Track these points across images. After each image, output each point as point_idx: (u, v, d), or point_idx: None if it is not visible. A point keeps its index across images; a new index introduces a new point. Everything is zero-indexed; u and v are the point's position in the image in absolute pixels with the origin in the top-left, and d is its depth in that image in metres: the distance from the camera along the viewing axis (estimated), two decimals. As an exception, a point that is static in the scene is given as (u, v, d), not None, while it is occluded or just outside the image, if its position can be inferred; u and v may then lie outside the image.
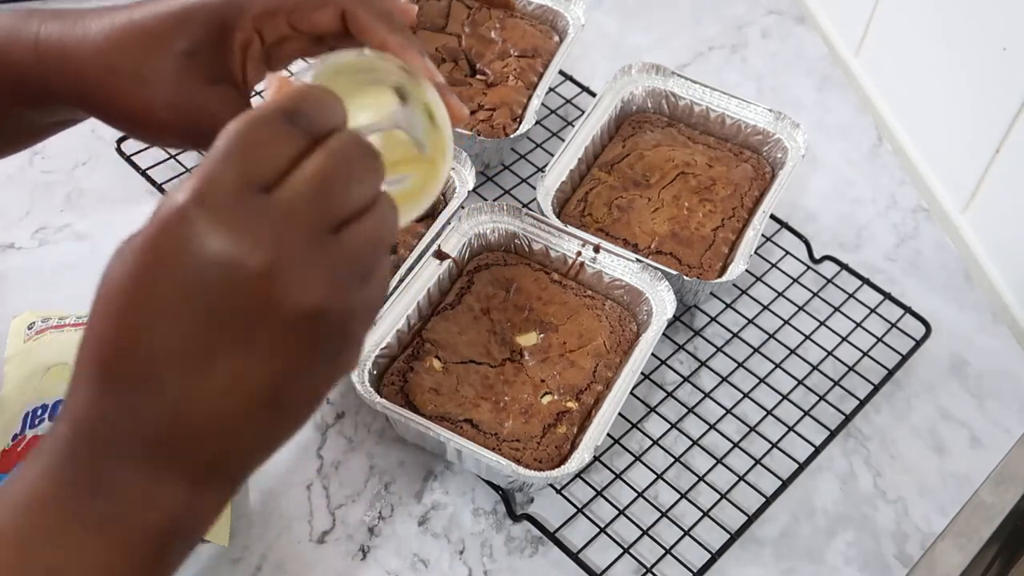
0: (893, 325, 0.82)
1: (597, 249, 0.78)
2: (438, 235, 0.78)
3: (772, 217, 0.88)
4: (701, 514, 0.71)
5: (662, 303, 0.76)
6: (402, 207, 0.44)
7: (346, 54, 0.51)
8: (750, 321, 0.83)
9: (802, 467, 0.74)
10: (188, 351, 0.37)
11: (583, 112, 0.89)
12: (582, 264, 0.79)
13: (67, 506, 0.37)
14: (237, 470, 0.41)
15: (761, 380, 0.79)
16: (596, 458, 0.73)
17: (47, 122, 0.59)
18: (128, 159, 0.88)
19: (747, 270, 0.79)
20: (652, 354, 0.73)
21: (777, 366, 0.80)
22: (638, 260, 0.77)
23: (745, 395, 0.78)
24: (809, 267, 0.87)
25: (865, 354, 0.81)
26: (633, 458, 0.74)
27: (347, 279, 0.38)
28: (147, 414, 0.37)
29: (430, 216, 0.81)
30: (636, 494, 0.72)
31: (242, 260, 0.36)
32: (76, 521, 0.37)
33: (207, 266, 0.36)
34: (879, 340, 0.82)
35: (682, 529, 0.70)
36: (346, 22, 0.53)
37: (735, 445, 0.75)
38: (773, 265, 0.87)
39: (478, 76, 0.93)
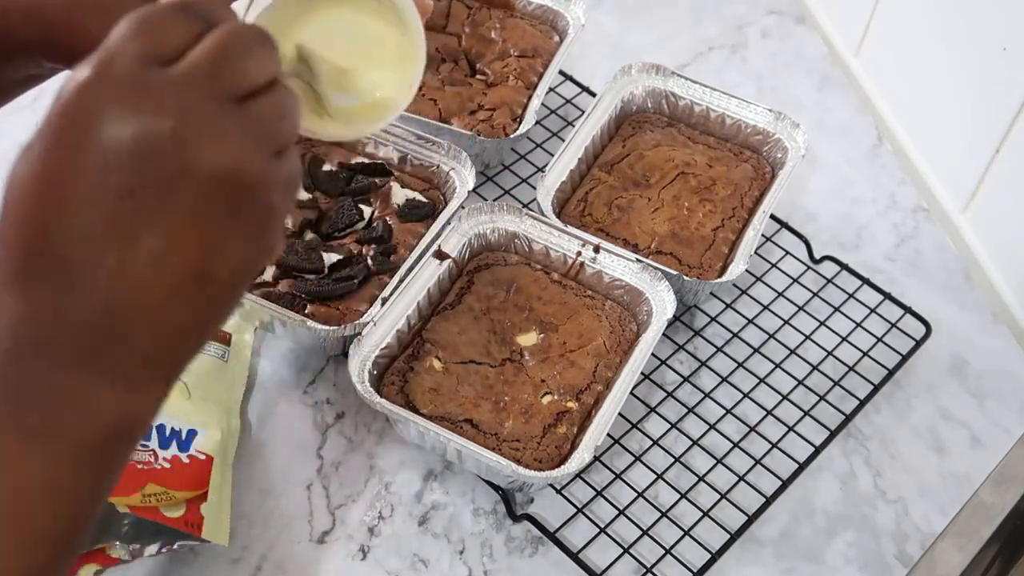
0: (893, 325, 0.82)
1: (597, 249, 0.78)
2: (438, 235, 0.78)
3: (772, 217, 0.88)
4: (701, 514, 0.71)
5: (662, 303, 0.75)
6: (379, 114, 0.50)
7: None
8: (750, 321, 0.83)
9: (802, 467, 0.74)
10: (105, 234, 0.35)
11: (583, 112, 0.88)
12: (582, 264, 0.79)
13: (1, 420, 0.36)
14: (173, 361, 0.39)
15: (761, 380, 0.79)
16: (596, 458, 0.73)
17: (13, 78, 0.57)
18: (128, 159, 0.88)
19: (747, 270, 0.79)
20: (652, 354, 0.73)
21: (777, 366, 0.80)
22: (638, 260, 0.77)
23: (745, 395, 0.78)
24: (809, 267, 0.87)
25: (865, 354, 0.81)
26: (633, 458, 0.74)
27: (257, 144, 0.37)
28: (72, 311, 0.36)
29: (430, 216, 0.81)
30: (636, 494, 0.72)
31: (150, 128, 0.35)
32: (13, 433, 0.36)
33: (115, 140, 0.35)
34: (879, 340, 0.82)
35: (682, 529, 0.70)
36: None
37: (735, 445, 0.75)
38: (773, 265, 0.87)
39: (478, 76, 0.93)
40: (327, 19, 0.52)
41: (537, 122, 0.93)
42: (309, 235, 0.80)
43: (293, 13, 0.51)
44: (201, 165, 0.36)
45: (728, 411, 0.77)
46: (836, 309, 0.84)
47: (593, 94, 0.98)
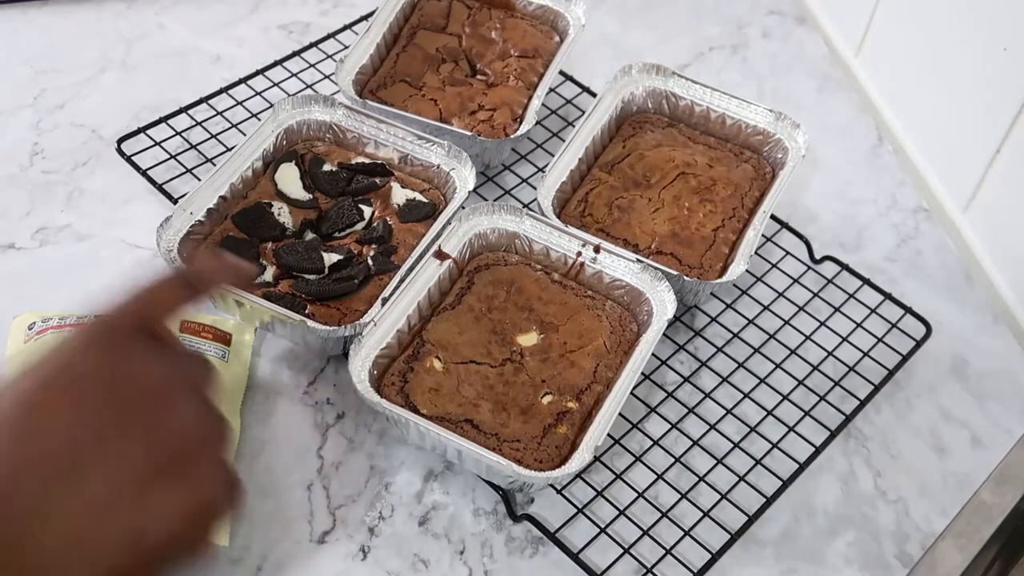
0: (893, 325, 0.82)
1: (597, 249, 0.78)
2: (438, 235, 0.78)
3: (772, 217, 0.88)
4: (701, 514, 0.71)
5: (662, 303, 0.75)
6: None
7: None
8: (750, 321, 0.83)
9: (802, 467, 0.74)
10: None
11: (583, 112, 0.89)
12: (582, 264, 0.79)
13: None
14: None
15: (761, 380, 0.79)
16: (596, 458, 0.73)
17: None
18: (128, 159, 0.88)
19: (747, 270, 0.79)
20: (652, 354, 0.73)
21: (777, 366, 0.80)
22: (638, 260, 0.77)
23: (745, 395, 0.78)
24: (809, 267, 0.87)
25: (865, 354, 0.81)
26: (633, 458, 0.74)
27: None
28: (10, 550, 0.39)
29: (430, 217, 0.81)
30: (636, 494, 0.72)
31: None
32: None
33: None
34: (879, 340, 0.81)
35: (682, 529, 0.70)
36: None
37: (735, 445, 0.75)
38: (773, 265, 0.87)
39: (478, 76, 0.93)
40: None
41: (537, 122, 0.93)
42: (309, 235, 0.80)
43: None
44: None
45: (728, 411, 0.77)
46: (836, 309, 0.84)
47: (593, 94, 0.98)
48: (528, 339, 0.75)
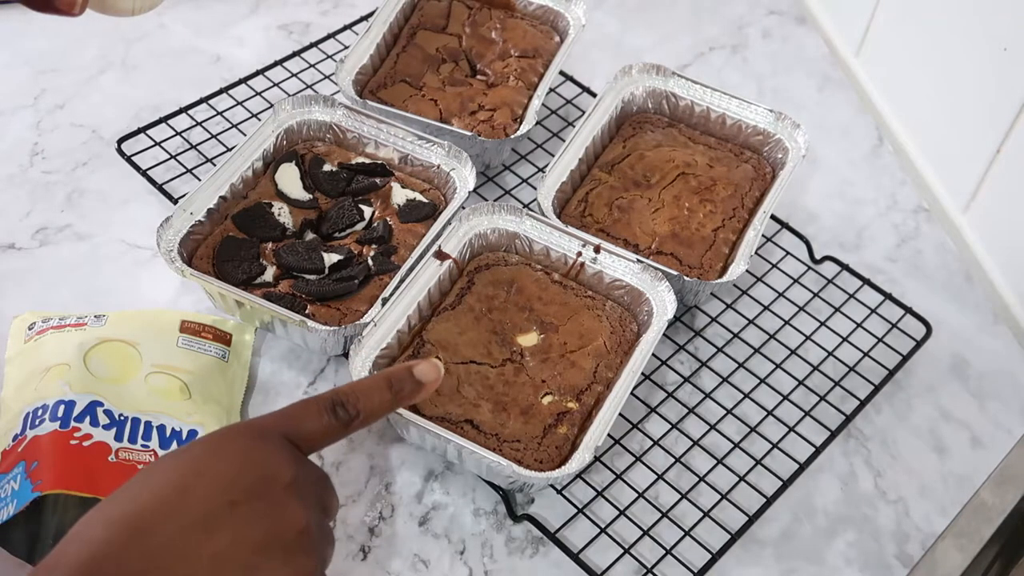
0: (894, 325, 0.82)
1: (598, 249, 0.78)
2: (439, 235, 0.78)
3: (773, 217, 0.88)
4: (702, 514, 0.71)
5: (663, 303, 0.75)
6: None
7: None
8: (751, 321, 0.83)
9: (803, 467, 0.74)
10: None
11: (584, 112, 0.89)
12: (583, 264, 0.79)
13: None
14: None
15: (762, 380, 0.79)
16: (597, 458, 0.73)
17: None
18: (128, 159, 0.88)
19: (748, 270, 0.79)
20: (653, 354, 0.73)
21: (778, 366, 0.80)
22: (639, 260, 0.77)
23: (746, 395, 0.78)
24: (810, 267, 0.87)
25: (866, 354, 0.81)
26: (634, 458, 0.74)
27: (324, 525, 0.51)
28: None
29: (431, 217, 0.81)
30: (637, 494, 0.72)
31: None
32: None
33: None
34: (880, 340, 0.82)
35: (683, 529, 0.70)
36: None
37: (736, 445, 0.75)
38: (774, 265, 0.87)
39: (478, 76, 0.93)
40: None
41: (538, 122, 0.93)
42: (309, 235, 0.80)
43: None
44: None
45: (728, 411, 0.77)
46: (836, 309, 0.84)
47: (594, 94, 0.98)
48: (528, 339, 0.75)
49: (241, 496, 0.46)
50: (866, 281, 0.85)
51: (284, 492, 0.47)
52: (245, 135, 0.85)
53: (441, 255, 0.77)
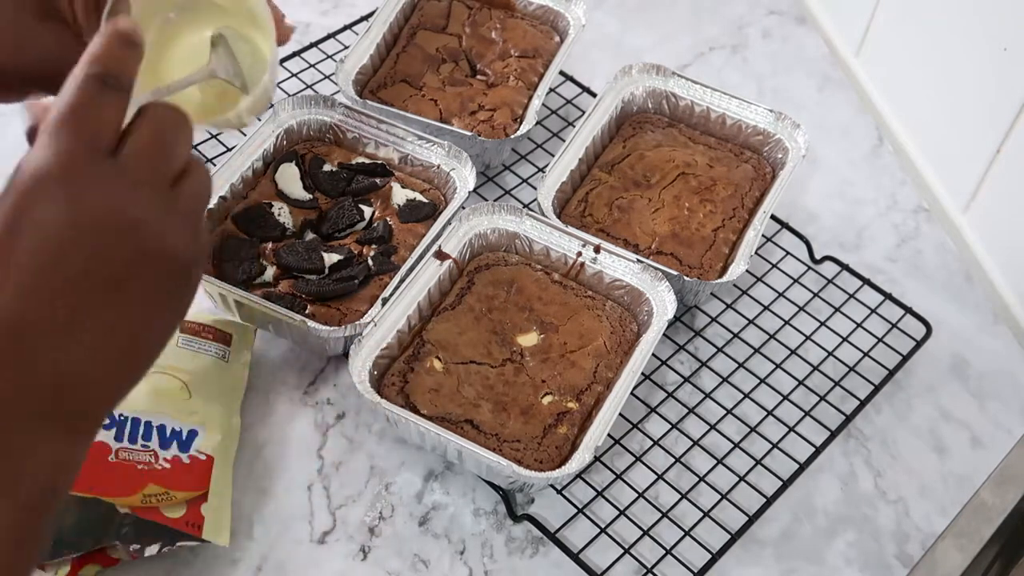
0: (894, 325, 0.82)
1: (598, 249, 0.78)
2: (439, 235, 0.78)
3: (773, 217, 0.88)
4: (702, 514, 0.71)
5: (663, 303, 0.75)
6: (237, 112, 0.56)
7: None
8: (751, 321, 0.83)
9: (803, 467, 0.74)
10: (63, 310, 0.39)
11: (584, 112, 0.88)
12: (583, 264, 0.79)
13: None
14: (102, 415, 0.43)
15: (762, 380, 0.79)
16: (597, 458, 0.73)
17: None
18: (129, 159, 0.88)
19: (747, 270, 0.79)
20: (653, 354, 0.73)
21: (778, 366, 0.80)
22: (639, 260, 0.77)
23: (746, 395, 0.78)
24: (809, 267, 0.87)
25: (866, 354, 0.81)
26: (634, 458, 0.74)
27: (191, 226, 0.43)
28: (26, 375, 0.39)
29: (431, 217, 0.81)
30: (637, 494, 0.72)
31: (111, 220, 0.40)
32: None
33: (77, 229, 0.39)
34: (880, 340, 0.81)
35: (683, 529, 0.70)
36: None
37: (736, 445, 0.75)
38: (774, 265, 0.87)
39: (479, 76, 0.93)
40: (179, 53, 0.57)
41: (538, 122, 0.93)
42: (309, 235, 0.80)
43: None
44: (152, 251, 0.41)
45: (728, 411, 0.77)
46: (836, 309, 0.84)
47: (594, 94, 0.98)
48: (528, 339, 0.75)
49: (85, 265, 0.40)
50: (866, 281, 0.85)
51: (132, 234, 0.41)
52: (245, 135, 0.85)
53: (441, 255, 0.77)
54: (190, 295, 0.44)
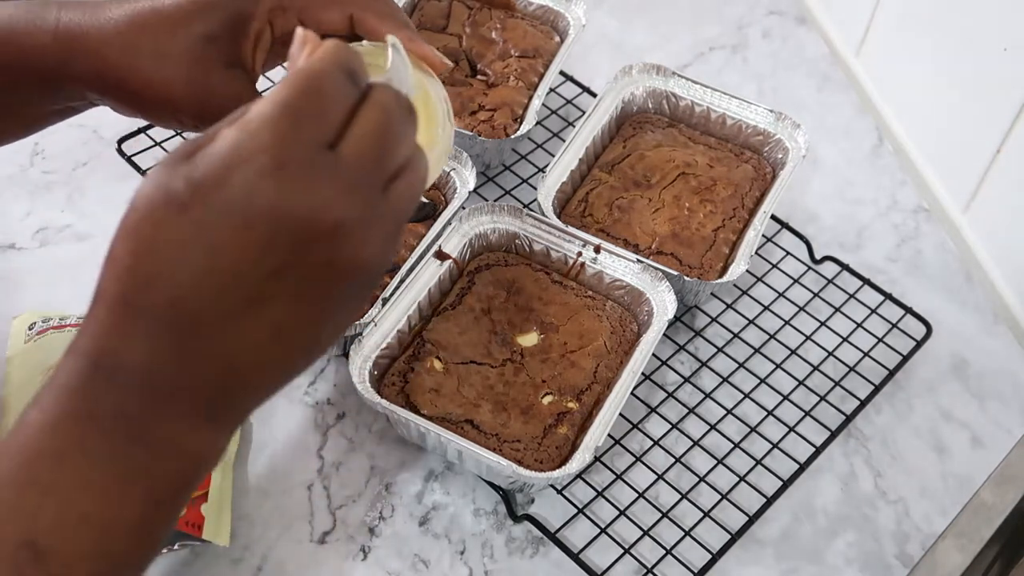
0: (894, 325, 0.82)
1: (598, 249, 0.78)
2: (439, 236, 0.78)
3: (773, 217, 0.88)
4: (702, 514, 0.71)
5: (663, 303, 0.75)
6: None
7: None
8: (751, 321, 0.83)
9: (803, 467, 0.74)
10: (242, 303, 0.37)
11: (584, 112, 0.88)
12: (583, 264, 0.79)
13: (113, 460, 0.37)
14: (250, 411, 0.42)
15: (762, 380, 0.79)
16: (597, 458, 0.73)
17: (53, 108, 0.61)
18: (129, 159, 0.88)
19: (748, 270, 0.79)
20: (653, 354, 0.73)
21: (778, 366, 0.80)
22: (639, 260, 0.77)
23: (746, 395, 0.78)
24: (810, 267, 0.87)
25: (866, 354, 0.81)
26: (634, 458, 0.74)
27: (394, 234, 0.41)
28: (192, 363, 0.37)
29: (431, 217, 0.81)
30: (637, 494, 0.72)
31: (316, 221, 0.37)
32: (122, 477, 0.37)
33: (280, 223, 0.37)
34: (880, 340, 0.81)
35: (683, 529, 0.70)
36: (353, 25, 0.57)
37: (736, 445, 0.75)
38: (774, 266, 0.87)
39: (479, 77, 0.93)
40: None
41: (538, 122, 0.93)
42: (310, 235, 0.80)
43: None
44: (347, 259, 0.39)
45: (729, 411, 0.77)
46: (837, 309, 0.84)
47: (594, 94, 0.98)
48: (528, 339, 0.75)
49: (280, 260, 0.38)
50: (866, 281, 0.85)
51: (333, 239, 0.38)
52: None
53: (441, 255, 0.77)
54: (366, 299, 0.43)
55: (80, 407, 0.37)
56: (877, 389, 0.78)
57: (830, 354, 0.81)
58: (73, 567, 0.35)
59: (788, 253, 0.88)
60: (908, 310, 0.83)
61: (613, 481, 0.73)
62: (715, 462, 0.74)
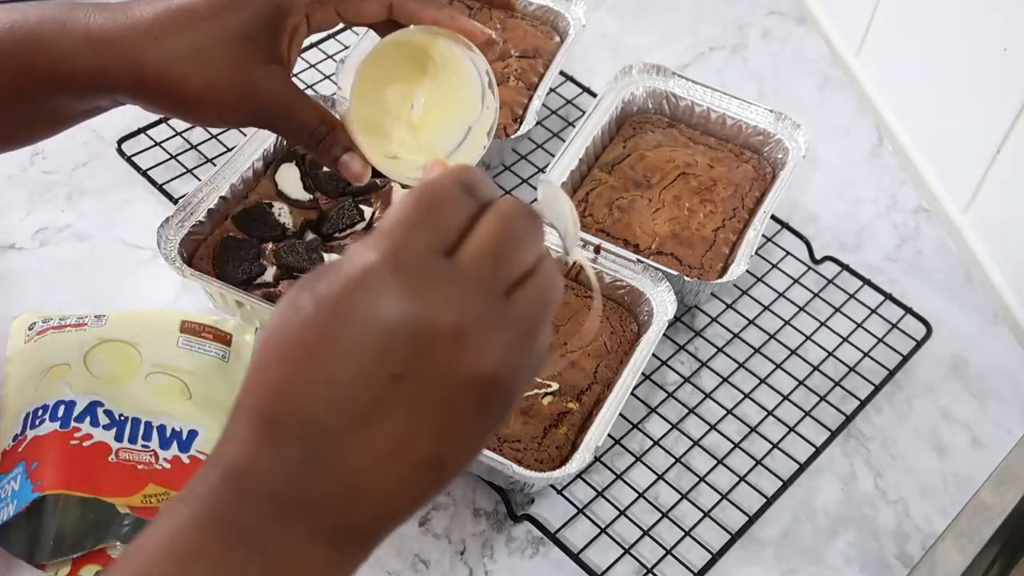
0: (894, 326, 0.82)
1: (598, 250, 0.78)
2: (439, 235, 0.77)
3: (773, 218, 0.88)
4: (702, 514, 0.71)
5: (663, 304, 0.75)
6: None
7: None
8: (751, 322, 0.83)
9: (803, 467, 0.74)
10: (366, 410, 0.37)
11: (584, 113, 0.88)
12: (581, 267, 0.79)
13: (225, 562, 0.37)
14: (380, 536, 0.40)
15: (762, 380, 0.79)
16: (597, 459, 0.73)
17: (82, 109, 0.61)
18: (128, 159, 0.88)
19: (748, 271, 0.79)
20: (653, 354, 0.73)
21: (778, 367, 0.80)
22: (639, 261, 0.77)
23: (746, 395, 0.78)
24: (810, 267, 0.87)
25: (866, 355, 0.81)
26: (634, 458, 0.74)
27: (520, 341, 0.39)
28: (316, 476, 0.37)
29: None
30: (637, 494, 0.72)
31: (433, 324, 0.36)
32: None
33: (399, 326, 0.36)
34: (880, 340, 0.81)
35: (683, 529, 0.70)
36: (392, 12, 0.58)
37: (736, 445, 0.75)
38: (774, 266, 0.87)
39: (479, 76, 0.93)
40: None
41: (538, 123, 0.93)
42: (310, 235, 0.80)
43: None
44: (469, 365, 0.37)
45: (729, 411, 0.77)
46: (837, 309, 0.84)
47: (594, 94, 0.98)
48: (528, 339, 0.75)
49: (400, 366, 0.37)
50: (866, 281, 0.85)
51: (452, 343, 0.37)
52: (245, 135, 0.85)
53: (441, 255, 0.77)
54: (507, 412, 0.40)
55: (205, 514, 0.37)
56: (877, 389, 0.78)
57: (830, 354, 0.81)
58: None
59: (788, 253, 0.88)
60: (908, 310, 0.83)
61: (613, 481, 0.73)
62: (715, 462, 0.74)
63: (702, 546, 0.69)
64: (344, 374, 0.37)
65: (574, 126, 0.91)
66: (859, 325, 0.83)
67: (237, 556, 0.37)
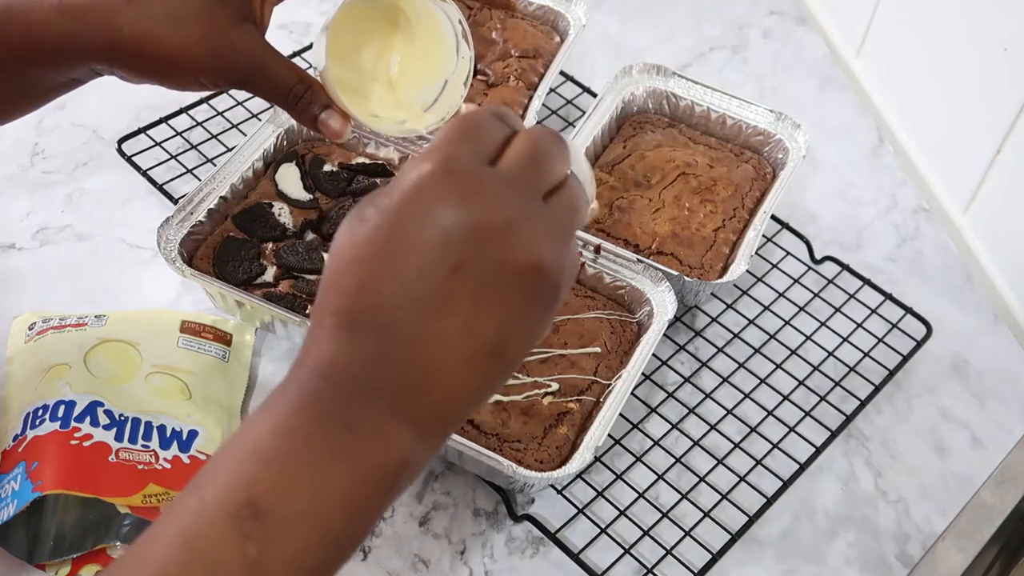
0: (894, 326, 0.82)
1: (598, 249, 0.78)
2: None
3: (773, 218, 0.88)
4: (702, 515, 0.71)
5: (663, 304, 0.75)
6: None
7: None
8: (751, 322, 0.83)
9: (803, 468, 0.74)
10: (431, 301, 0.41)
11: (584, 113, 0.89)
12: (583, 264, 0.79)
13: (323, 437, 0.40)
14: (454, 420, 0.44)
15: (762, 381, 0.79)
16: (597, 458, 0.73)
17: (60, 81, 0.61)
18: (129, 159, 0.88)
19: (748, 271, 0.79)
20: (653, 355, 0.73)
21: (778, 367, 0.80)
22: (639, 261, 0.77)
23: (746, 395, 0.78)
24: (810, 268, 0.87)
25: (866, 355, 0.81)
26: (634, 458, 0.74)
27: (559, 238, 0.43)
28: (391, 362, 0.41)
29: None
30: (637, 494, 0.72)
31: (486, 219, 0.41)
32: (331, 452, 0.40)
33: (456, 223, 0.41)
34: (880, 341, 0.81)
35: (683, 530, 0.70)
36: None
37: (736, 445, 0.75)
38: (774, 266, 0.87)
39: (479, 77, 0.93)
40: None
41: (538, 122, 0.93)
42: (310, 235, 0.80)
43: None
44: (519, 255, 0.42)
45: (729, 411, 0.77)
46: (837, 310, 0.84)
47: (594, 94, 0.98)
48: (528, 339, 0.75)
49: (459, 258, 0.41)
50: (866, 281, 0.85)
51: (503, 235, 0.41)
52: (245, 135, 0.85)
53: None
54: (555, 305, 0.44)
55: (297, 399, 0.41)
56: (877, 389, 0.78)
57: (830, 354, 0.81)
58: (287, 527, 0.39)
59: (788, 253, 0.88)
60: (908, 310, 0.83)
61: (613, 481, 0.73)
62: (715, 462, 0.74)
63: (702, 546, 0.69)
64: (410, 269, 0.41)
65: (574, 126, 0.91)
66: (859, 325, 0.83)
67: (330, 429, 0.41)
